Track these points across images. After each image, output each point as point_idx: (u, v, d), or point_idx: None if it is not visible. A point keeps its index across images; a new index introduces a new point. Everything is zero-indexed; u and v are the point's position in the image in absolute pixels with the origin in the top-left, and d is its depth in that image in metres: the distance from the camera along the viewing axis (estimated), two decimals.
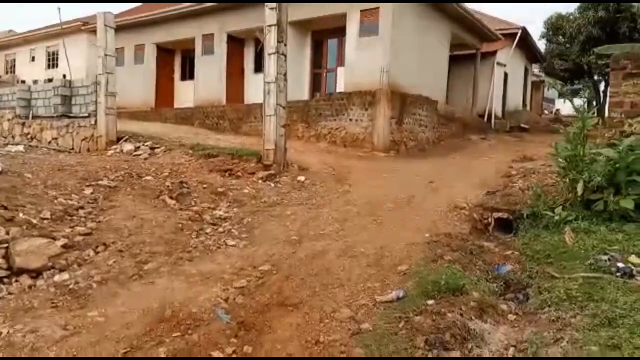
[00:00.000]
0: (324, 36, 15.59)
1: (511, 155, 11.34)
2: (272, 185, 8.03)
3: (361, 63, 13.26)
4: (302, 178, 8.43)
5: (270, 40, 8.62)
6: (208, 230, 5.80)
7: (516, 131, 19.43)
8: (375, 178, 8.87)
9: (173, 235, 5.51)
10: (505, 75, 21.63)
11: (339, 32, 14.42)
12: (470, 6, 16.34)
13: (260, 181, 8.13)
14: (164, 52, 19.33)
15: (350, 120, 12.99)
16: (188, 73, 19.17)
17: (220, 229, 5.88)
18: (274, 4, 8.53)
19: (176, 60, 19.84)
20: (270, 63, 8.65)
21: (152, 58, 19.09)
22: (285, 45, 8.76)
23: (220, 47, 16.82)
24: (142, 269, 4.52)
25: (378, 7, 13.04)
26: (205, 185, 7.58)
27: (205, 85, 17.18)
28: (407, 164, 10.77)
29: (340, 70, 14.88)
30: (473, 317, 3.46)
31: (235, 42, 17.05)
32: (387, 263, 4.56)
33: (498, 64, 20.09)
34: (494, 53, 19.73)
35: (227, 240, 5.46)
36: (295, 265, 4.59)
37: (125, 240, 5.16)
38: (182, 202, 6.85)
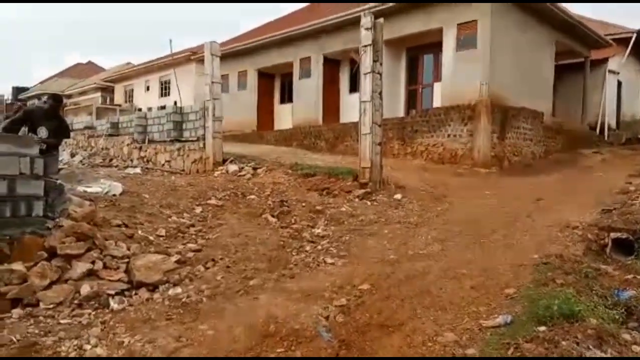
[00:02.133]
0: (419, 52, 15.47)
1: (628, 170, 10.37)
2: (369, 203, 8.03)
3: (459, 77, 12.96)
4: (398, 196, 8.35)
5: (366, 60, 8.72)
6: (307, 248, 5.93)
7: (634, 143, 17.72)
8: (477, 196, 8.55)
9: (275, 252, 5.71)
10: (619, 83, 19.89)
11: (435, 47, 14.24)
12: (574, 10, 15.36)
13: (356, 199, 8.18)
14: (265, 77, 20.29)
15: (448, 136, 12.69)
16: (287, 96, 19.92)
17: (319, 247, 5.99)
18: (369, 24, 8.64)
19: (276, 84, 20.72)
20: (365, 82, 8.74)
21: (254, 83, 20.11)
22: (380, 64, 8.82)
23: (317, 70, 17.31)
24: (247, 285, 4.72)
25: (476, 20, 12.73)
26: (304, 204, 7.78)
27: (303, 106, 17.73)
28: (511, 181, 10.26)
29: (436, 85, 14.64)
30: (591, 347, 3.18)
31: (331, 64, 17.47)
32: (493, 286, 4.35)
33: (610, 72, 18.55)
34: (604, 60, 18.28)
35: (325, 258, 5.54)
36: (395, 286, 4.53)
37: (232, 256, 5.43)
38: (283, 220, 7.08)
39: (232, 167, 10.99)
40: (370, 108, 8.66)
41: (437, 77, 14.60)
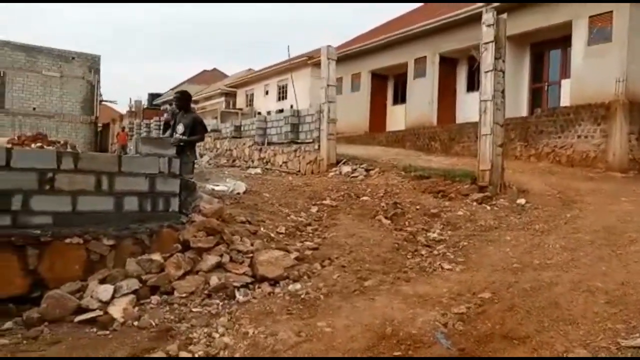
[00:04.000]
0: (545, 48, 14.46)
1: None
2: (488, 208, 7.67)
3: (591, 73, 11.88)
4: (522, 201, 7.86)
5: (487, 58, 8.35)
6: (423, 252, 5.82)
7: None
8: (612, 202, 7.76)
9: (390, 254, 5.68)
10: None
11: (563, 41, 13.26)
12: None
13: (474, 203, 7.85)
14: (378, 79, 20.31)
15: (579, 136, 11.69)
16: (400, 97, 19.74)
17: (435, 252, 5.85)
18: (491, 21, 8.26)
19: (389, 86, 20.64)
20: (486, 80, 8.36)
21: (367, 85, 20.21)
22: (503, 61, 8.38)
23: (432, 69, 16.95)
24: (362, 285, 4.76)
25: (611, 12, 11.58)
26: (418, 207, 7.65)
27: (417, 107, 17.45)
28: None
29: (564, 82, 13.56)
30: None
31: (447, 63, 16.99)
32: (632, 302, 3.92)
33: None
34: None
35: (442, 264, 5.39)
36: (519, 296, 4.27)
37: (347, 256, 5.50)
38: (397, 222, 7.02)
39: (346, 169, 11.14)
40: (491, 107, 8.27)
41: (565, 73, 13.52)
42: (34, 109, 33.54)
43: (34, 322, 3.98)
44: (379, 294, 4.57)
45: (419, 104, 17.33)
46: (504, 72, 8.44)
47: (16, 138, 21.13)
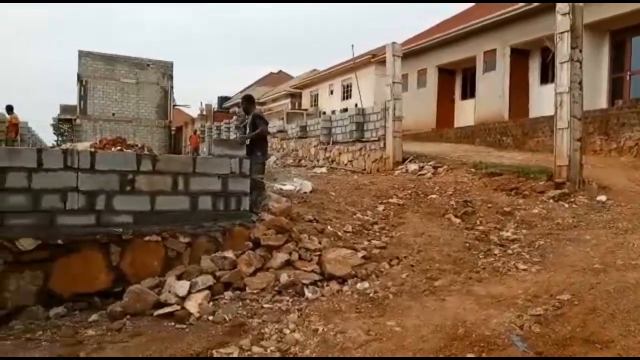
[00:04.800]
0: (627, 35, 13.51)
1: None
2: (566, 205, 7.27)
3: None
4: (602, 198, 7.39)
5: (563, 48, 7.92)
6: (496, 252, 5.62)
7: None
8: None
9: (460, 254, 5.54)
10: None
11: None
12: None
13: (551, 201, 7.47)
14: (445, 74, 19.83)
15: None
16: (469, 92, 19.18)
17: (509, 251, 5.63)
18: (566, 9, 7.83)
19: (456, 81, 20.10)
20: (562, 72, 7.93)
21: (434, 80, 19.80)
22: (580, 51, 7.91)
23: (503, 62, 16.33)
24: (432, 285, 4.67)
25: None
26: (489, 205, 7.39)
27: (486, 102, 16.88)
28: None
29: None
30: None
31: (519, 55, 16.30)
32: None
33: None
34: None
35: (517, 264, 5.18)
36: (601, 298, 4.02)
37: (415, 256, 5.43)
38: (467, 221, 6.83)
39: (412, 166, 10.97)
40: (567, 100, 7.84)
41: None
42: (113, 114, 35.73)
43: (117, 315, 4.25)
44: (450, 294, 4.47)
45: (489, 99, 16.75)
46: (581, 63, 7.96)
47: (98, 142, 22.61)
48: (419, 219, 6.85)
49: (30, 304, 4.42)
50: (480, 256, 5.48)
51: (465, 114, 18.66)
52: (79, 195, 4.75)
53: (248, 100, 8.48)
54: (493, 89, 16.59)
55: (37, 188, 4.61)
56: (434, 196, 8.00)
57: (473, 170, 9.63)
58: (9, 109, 15.30)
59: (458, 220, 6.82)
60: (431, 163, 10.82)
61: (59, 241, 4.55)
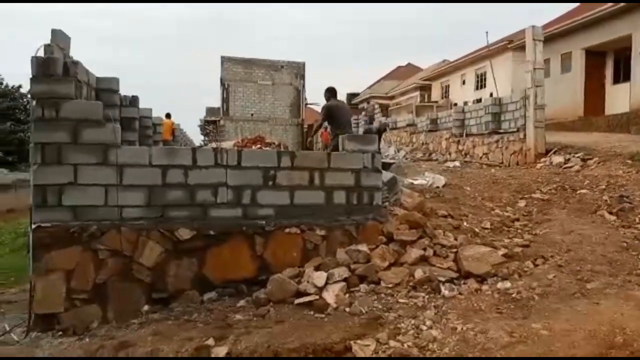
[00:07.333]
0: None
1: None
2: None
3: None
4: None
5: None
6: None
7: None
8: None
9: (616, 254, 5.00)
10: None
11: None
12: None
13: None
14: (593, 56, 17.88)
15: None
16: (622, 75, 17.10)
17: None
18: None
19: (607, 63, 18.02)
20: None
21: (580, 64, 17.98)
22: None
23: None
24: (584, 288, 4.28)
25: None
26: None
27: None
28: None
29: None
30: None
31: None
32: None
33: None
34: None
35: None
36: None
37: (564, 255, 5.01)
38: (624, 218, 6.14)
39: (557, 159, 10.14)
40: None
41: None
42: (252, 114, 38.16)
43: (262, 302, 4.55)
44: (605, 298, 4.06)
45: None
46: None
47: (240, 141, 24.36)
48: (567, 216, 6.31)
49: (187, 289, 4.92)
50: None
51: (619, 99, 16.63)
52: (227, 190, 5.16)
53: (328, 91, 7.86)
54: None
55: (192, 183, 5.09)
56: (583, 191, 7.30)
57: (630, 162, 8.62)
58: (168, 116, 17.26)
59: (613, 218, 6.16)
60: (579, 155, 9.90)
61: (211, 232, 4.99)
